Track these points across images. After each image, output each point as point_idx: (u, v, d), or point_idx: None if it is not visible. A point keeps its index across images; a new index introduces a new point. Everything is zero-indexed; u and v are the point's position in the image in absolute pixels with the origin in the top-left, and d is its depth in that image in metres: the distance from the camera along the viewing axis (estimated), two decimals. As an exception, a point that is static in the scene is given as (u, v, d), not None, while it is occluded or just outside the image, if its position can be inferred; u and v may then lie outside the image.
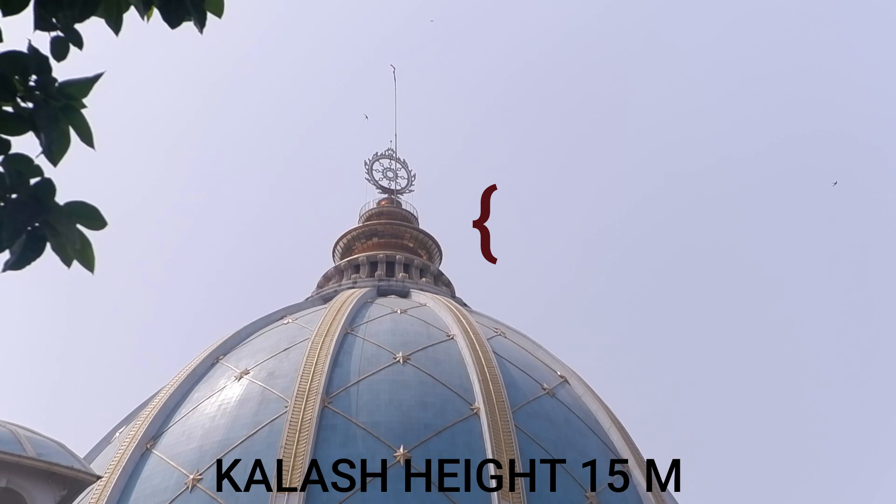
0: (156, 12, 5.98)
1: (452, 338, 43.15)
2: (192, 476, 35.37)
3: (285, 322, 45.13)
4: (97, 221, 6.06)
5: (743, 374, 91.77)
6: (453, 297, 53.01)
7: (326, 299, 49.34)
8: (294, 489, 33.95)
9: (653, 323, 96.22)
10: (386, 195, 57.64)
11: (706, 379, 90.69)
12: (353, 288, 50.14)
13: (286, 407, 37.43)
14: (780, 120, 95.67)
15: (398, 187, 57.98)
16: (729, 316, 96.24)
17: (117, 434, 40.30)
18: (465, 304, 51.44)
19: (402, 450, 36.08)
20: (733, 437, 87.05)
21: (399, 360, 40.82)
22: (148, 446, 37.48)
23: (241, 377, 40.14)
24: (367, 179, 56.57)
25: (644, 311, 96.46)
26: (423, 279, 54.16)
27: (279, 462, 34.83)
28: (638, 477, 39.73)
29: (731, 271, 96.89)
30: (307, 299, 51.10)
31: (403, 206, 58.60)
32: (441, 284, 54.30)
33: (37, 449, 22.19)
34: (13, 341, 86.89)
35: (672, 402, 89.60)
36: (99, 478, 24.31)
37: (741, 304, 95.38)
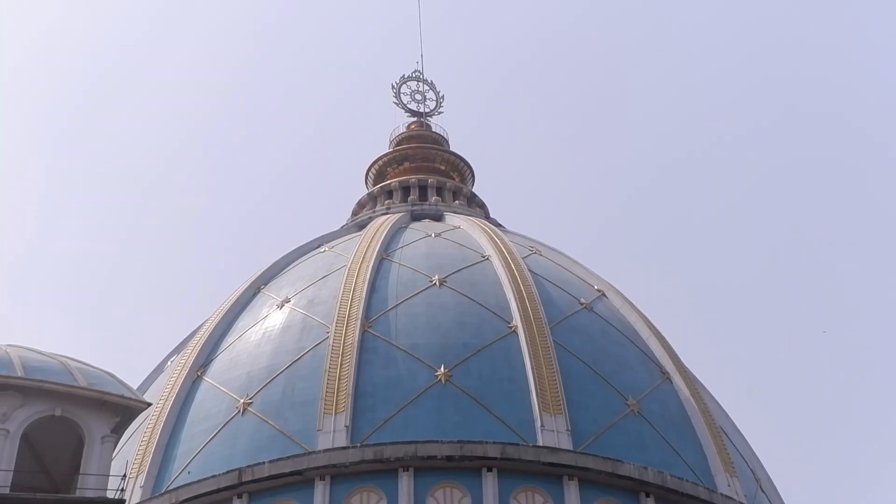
0: None
1: (487, 258, 43.13)
2: (242, 400, 36.30)
3: (322, 251, 45.56)
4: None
5: (781, 279, 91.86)
6: (487, 218, 52.77)
7: (361, 226, 49.24)
8: (340, 411, 35.22)
9: (690, 232, 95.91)
10: (415, 118, 57.30)
11: (744, 285, 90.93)
12: (387, 214, 50.05)
13: (328, 333, 37.96)
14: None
15: (426, 110, 57.56)
16: (766, 223, 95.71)
17: (168, 363, 41.38)
18: (499, 225, 51.35)
19: (442, 369, 36.54)
20: (771, 342, 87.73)
21: (435, 283, 41.04)
22: (198, 374, 38.44)
23: (282, 305, 40.78)
24: (396, 103, 56.21)
25: (681, 221, 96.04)
26: (457, 202, 53.92)
27: (324, 385, 36.11)
28: (679, 383, 40.04)
29: (775, 184, 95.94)
30: (342, 227, 51.07)
31: (433, 129, 58.25)
32: (474, 206, 54.05)
33: (88, 379, 23.02)
34: (63, 278, 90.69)
35: (711, 309, 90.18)
36: (149, 404, 25.38)
37: (778, 214, 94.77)
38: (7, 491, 20.71)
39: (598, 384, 37.82)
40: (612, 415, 36.60)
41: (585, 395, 37.14)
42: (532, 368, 36.99)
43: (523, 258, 43.57)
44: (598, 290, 44.07)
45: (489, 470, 33.16)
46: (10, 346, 23.49)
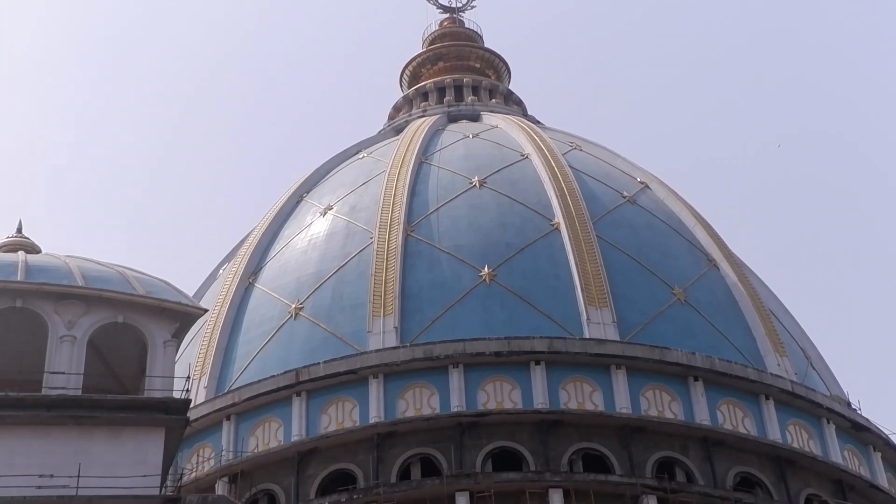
0: None
1: (527, 157, 43.07)
2: (293, 305, 37.42)
3: (361, 157, 46.01)
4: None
5: (828, 157, 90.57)
6: (525, 115, 52.32)
7: (398, 130, 49.29)
8: (388, 313, 36.42)
9: (734, 117, 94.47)
10: (447, 14, 56.69)
11: (790, 165, 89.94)
12: (424, 117, 49.94)
13: (371, 238, 38.69)
14: None
15: (459, 4, 56.73)
16: (815, 102, 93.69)
17: (220, 271, 42.70)
18: (537, 122, 50.87)
19: (486, 269, 37.17)
20: (818, 221, 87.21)
21: (475, 185, 41.28)
22: (250, 281, 39.64)
23: (325, 213, 41.53)
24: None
25: (724, 106, 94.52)
26: (493, 100, 53.46)
27: (371, 289, 36.84)
28: (726, 269, 40.21)
29: (824, 62, 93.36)
30: (379, 132, 51.26)
31: (466, 25, 57.50)
32: (512, 104, 53.73)
33: (145, 287, 23.96)
34: (111, 190, 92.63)
35: (757, 192, 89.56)
36: (205, 311, 26.34)
37: (824, 91, 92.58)
38: (79, 393, 21.97)
39: (644, 275, 38.14)
40: (658, 304, 37.08)
41: (631, 287, 37.57)
42: (576, 264, 37.42)
43: (563, 154, 43.48)
44: (641, 182, 43.98)
45: (537, 363, 34.09)
46: (68, 256, 24.64)
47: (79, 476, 20.70)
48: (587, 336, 35.44)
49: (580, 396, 34.15)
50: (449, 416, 32.95)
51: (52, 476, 20.48)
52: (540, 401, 33.45)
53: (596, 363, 34.59)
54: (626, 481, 31.68)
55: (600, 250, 38.28)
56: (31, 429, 21.03)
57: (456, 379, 33.85)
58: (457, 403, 33.29)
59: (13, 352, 22.82)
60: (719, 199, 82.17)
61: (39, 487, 20.33)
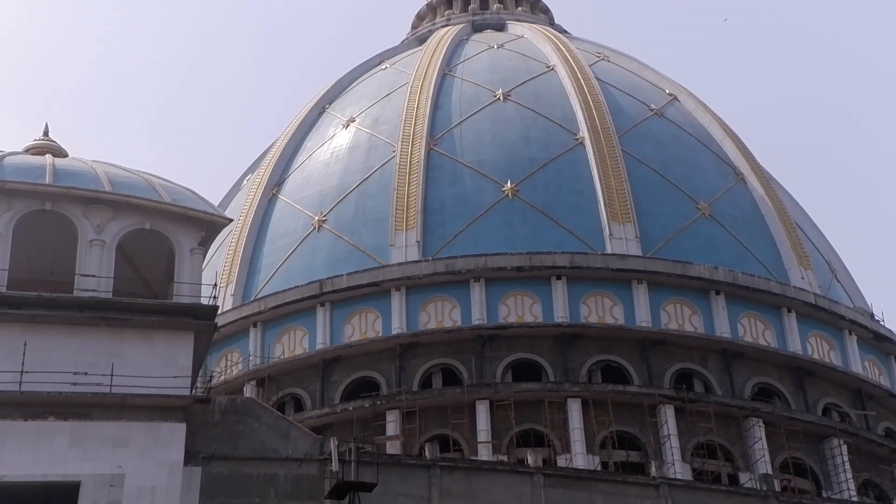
0: None
1: (552, 68, 42.78)
2: (317, 218, 38.16)
3: (383, 67, 45.93)
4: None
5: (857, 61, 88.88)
6: (552, 24, 51.56)
7: (422, 40, 48.90)
8: (411, 227, 37.11)
9: (764, 27, 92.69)
10: (472, -82, 55.61)
11: (820, 75, 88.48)
12: (447, 26, 49.38)
13: (394, 152, 38.99)
14: None
15: None
16: (847, 15, 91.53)
17: (245, 181, 43.36)
18: (564, 31, 50.18)
19: (508, 184, 37.53)
20: (850, 132, 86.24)
21: (499, 98, 41.20)
22: (274, 192, 40.32)
23: (347, 125, 41.82)
24: None
25: (755, 17, 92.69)
26: (520, 8, 52.58)
27: (394, 203, 37.16)
28: (753, 183, 40.26)
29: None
30: (402, 42, 50.91)
31: (491, -70, 56.84)
32: (538, 12, 52.94)
33: (171, 195, 24.47)
34: (135, 97, 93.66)
35: (786, 106, 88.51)
36: (230, 220, 26.82)
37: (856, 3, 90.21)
38: (110, 296, 22.80)
39: (669, 190, 38.29)
40: (682, 219, 37.37)
41: (655, 202, 37.80)
42: (600, 179, 37.60)
43: (590, 66, 43.08)
44: (670, 95, 43.74)
45: (558, 278, 34.81)
46: (95, 161, 25.18)
47: (112, 374, 21.72)
48: (609, 251, 35.93)
49: (600, 310, 34.90)
50: (470, 329, 33.90)
51: (86, 374, 21.58)
52: (560, 315, 34.25)
53: (617, 278, 35.15)
54: (644, 391, 32.60)
55: (625, 165, 38.36)
56: (64, 329, 21.99)
57: (477, 293, 34.67)
58: (478, 317, 34.18)
59: (45, 254, 23.67)
60: (749, 111, 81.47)
61: (74, 384, 21.40)
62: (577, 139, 39.59)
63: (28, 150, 25.94)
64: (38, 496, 20.63)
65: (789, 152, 79.72)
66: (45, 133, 26.89)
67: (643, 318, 34.64)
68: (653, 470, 29.13)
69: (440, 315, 34.51)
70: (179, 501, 21.67)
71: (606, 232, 36.62)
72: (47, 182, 23.45)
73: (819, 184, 79.68)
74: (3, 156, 24.17)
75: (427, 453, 26.27)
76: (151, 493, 21.41)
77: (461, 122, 40.78)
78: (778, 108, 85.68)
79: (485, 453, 31.14)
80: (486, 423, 31.84)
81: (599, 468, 30.75)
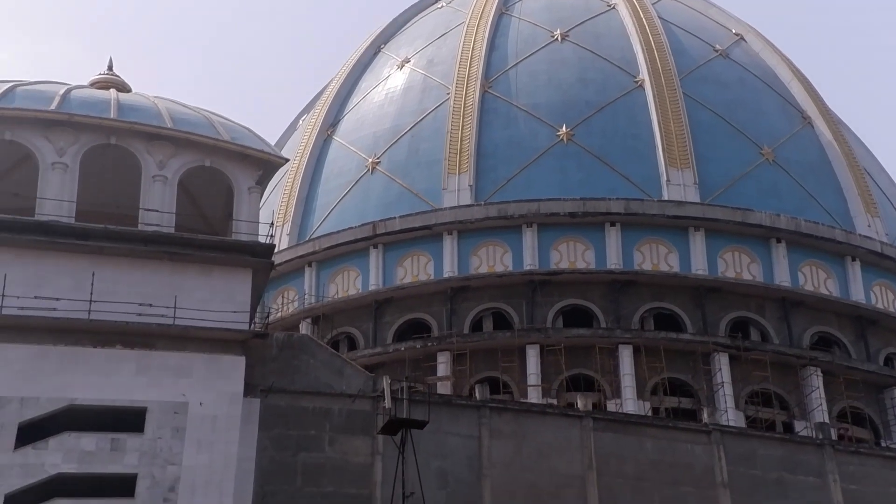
0: None
1: (613, 7, 42.89)
2: (370, 160, 39.56)
3: (439, 6, 46.66)
4: None
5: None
6: (612, -40, 52.57)
7: (478, -21, 50.59)
8: (464, 171, 38.21)
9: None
10: None
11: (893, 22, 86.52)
12: (505, -36, 50.83)
13: (448, 94, 39.99)
14: None
15: None
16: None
17: (300, 122, 44.88)
18: (626, -33, 51.05)
19: (564, 129, 38.31)
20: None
21: (557, 38, 41.66)
22: (328, 133, 41.77)
23: (402, 65, 42.88)
24: None
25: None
26: (579, -55, 53.76)
27: (447, 146, 38.11)
28: (821, 127, 40.38)
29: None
30: (458, -21, 52.85)
31: None
32: (598, -51, 54.43)
33: (230, 134, 25.85)
34: (190, 35, 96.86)
35: (859, 49, 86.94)
36: (287, 160, 28.33)
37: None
38: (172, 231, 24.38)
39: (731, 135, 38.59)
40: (743, 165, 37.74)
41: (716, 148, 38.21)
42: (659, 123, 38.07)
43: (653, 4, 43.09)
44: (736, 34, 43.66)
45: (612, 224, 35.73)
46: (157, 97, 26.68)
47: (175, 307, 23.45)
48: (666, 198, 36.61)
49: (655, 258, 35.75)
50: (521, 274, 35.13)
51: (150, 305, 23.36)
52: (613, 261, 35.24)
53: (673, 225, 35.92)
54: (698, 339, 33.57)
55: (686, 108, 38.76)
56: (129, 261, 23.68)
57: (529, 238, 35.84)
58: (529, 262, 35.38)
59: (109, 187, 25.26)
60: (819, 52, 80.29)
61: (140, 315, 23.18)
62: (637, 82, 40.03)
63: (93, 84, 27.56)
64: (108, 419, 22.45)
65: (860, 96, 78.69)
66: (110, 67, 28.55)
67: (699, 266, 35.42)
68: (705, 417, 29.99)
69: (491, 259, 35.79)
70: (240, 430, 23.45)
71: (664, 178, 37.25)
72: (112, 116, 24.94)
73: (892, 129, 78.65)
74: (70, 89, 25.72)
75: (477, 394, 27.67)
76: (213, 421, 23.20)
77: (517, 63, 41.45)
78: (849, 50, 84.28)
79: (534, 396, 32.58)
80: (536, 367, 33.27)
81: (650, 414, 31.96)
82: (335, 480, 24.87)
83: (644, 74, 40.05)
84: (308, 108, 45.33)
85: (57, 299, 22.57)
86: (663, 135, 38.03)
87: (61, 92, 25.16)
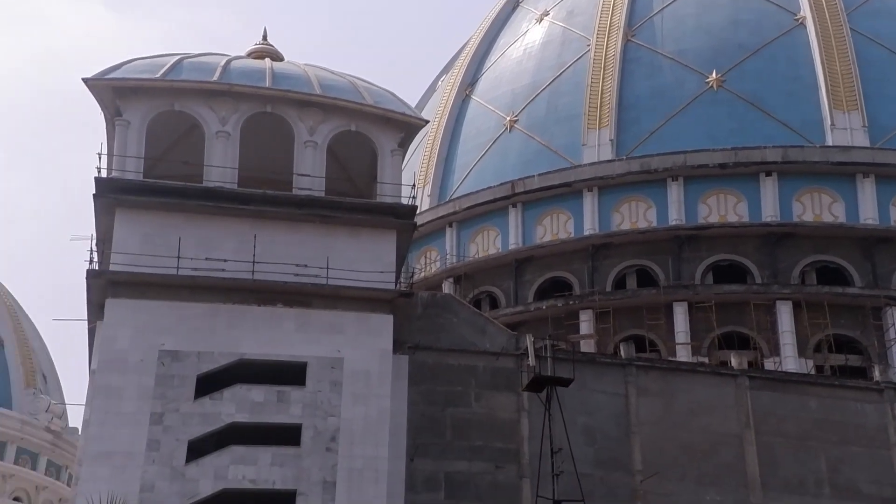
0: None
1: None
2: (508, 118, 44.18)
3: (578, -46, 49.57)
4: None
5: None
6: None
7: (619, -78, 53.74)
8: (604, 126, 41.66)
9: None
10: None
11: None
12: None
13: (588, 45, 43.77)
14: None
15: None
16: None
17: (440, 83, 49.96)
18: None
19: (714, 75, 41.25)
20: None
21: (706, -22, 43.34)
22: (467, 92, 46.75)
23: (541, 19, 47.15)
24: None
25: None
26: None
27: (587, 100, 42.04)
28: None
29: None
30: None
31: None
32: None
33: (373, 98, 30.70)
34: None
35: None
36: (427, 122, 32.97)
37: None
38: (323, 194, 29.55)
39: (905, 68, 39.47)
40: (919, 104, 38.77)
41: (887, 86, 40.32)
42: (822, 63, 40.35)
43: (812, -68, 44.07)
44: (909, -39, 44.63)
45: (768, 175, 38.52)
46: (307, 65, 31.87)
47: (328, 268, 28.63)
48: (830, 143, 39.00)
49: (817, 208, 38.45)
50: (666, 230, 38.76)
51: (305, 266, 28.66)
52: (769, 213, 38.15)
53: (838, 172, 38.38)
54: (867, 293, 36.06)
55: (853, 45, 40.84)
56: (285, 224, 28.99)
57: (675, 192, 39.34)
58: (675, 217, 38.90)
59: (264, 155, 30.61)
60: None
61: (296, 275, 28.45)
62: (797, 19, 42.32)
63: (250, 55, 33.13)
64: (273, 373, 27.73)
65: None
66: (264, 37, 34.07)
67: (868, 215, 37.80)
68: (876, 374, 32.12)
69: (634, 215, 39.62)
70: (391, 385, 28.52)
71: (827, 122, 39.66)
72: (267, 85, 30.22)
73: None
74: (230, 60, 31.22)
75: (622, 353, 31.52)
76: (366, 376, 28.33)
77: (662, 8, 44.47)
78: None
79: (683, 355, 35.99)
80: (685, 325, 36.82)
81: (813, 372, 34.79)
82: (483, 435, 29.43)
83: (805, 11, 42.28)
84: (447, 69, 50.16)
85: (224, 261, 28.12)
86: (827, 75, 40.31)
87: (222, 63, 30.72)
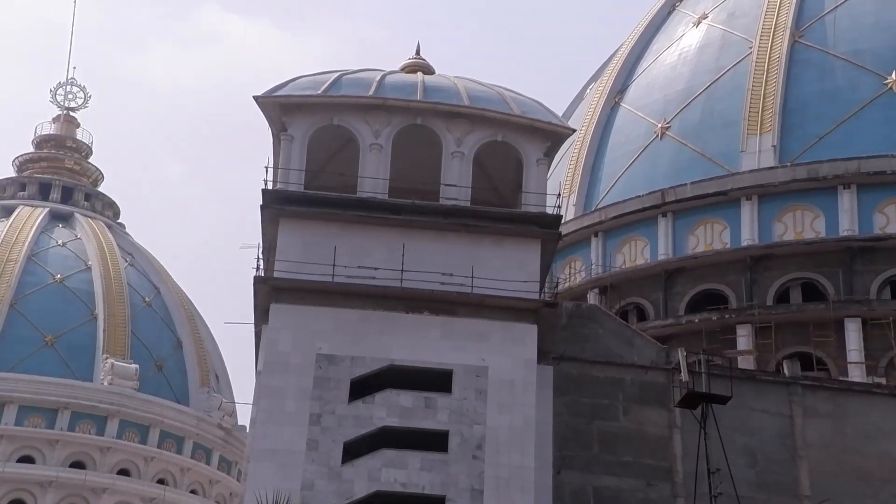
0: None
1: None
2: (660, 125, 48.47)
3: (742, -41, 52.77)
4: None
5: None
6: None
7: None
8: (766, 131, 44.93)
9: None
10: None
11: None
12: None
13: (750, 48, 47.40)
14: None
15: None
16: None
17: (587, 91, 54.63)
18: None
19: (894, 76, 44.49)
20: None
21: (889, -28, 45.56)
22: (616, 100, 51.28)
23: (699, 22, 51.15)
24: None
25: None
26: None
27: (747, 105, 45.60)
28: None
29: None
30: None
31: None
32: None
33: (520, 108, 35.45)
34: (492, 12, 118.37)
35: None
36: (574, 131, 37.30)
37: None
38: (468, 204, 34.46)
39: None
40: None
41: None
42: None
43: None
44: None
45: (963, 182, 39.50)
46: (456, 77, 37.11)
47: (472, 276, 33.39)
48: None
49: None
50: (836, 241, 41.88)
51: (451, 274, 33.52)
52: None
53: None
54: None
55: None
56: (432, 233, 34.13)
57: (847, 200, 42.54)
58: (847, 227, 42.07)
59: (413, 165, 35.77)
60: None
61: (442, 283, 33.42)
62: None
63: (404, 69, 38.74)
64: (420, 379, 32.64)
65: None
66: (417, 52, 39.84)
67: None
68: None
69: (799, 225, 42.89)
70: (536, 395, 32.66)
71: None
72: (418, 98, 35.58)
73: None
74: (385, 75, 36.75)
75: (786, 370, 34.10)
76: (511, 385, 32.66)
77: (836, 6, 47.66)
78: None
79: (856, 374, 38.70)
80: (858, 343, 39.64)
81: None
82: (632, 450, 32.72)
83: None
84: (595, 77, 54.89)
85: (375, 269, 33.48)
86: None
87: (377, 78, 36.31)
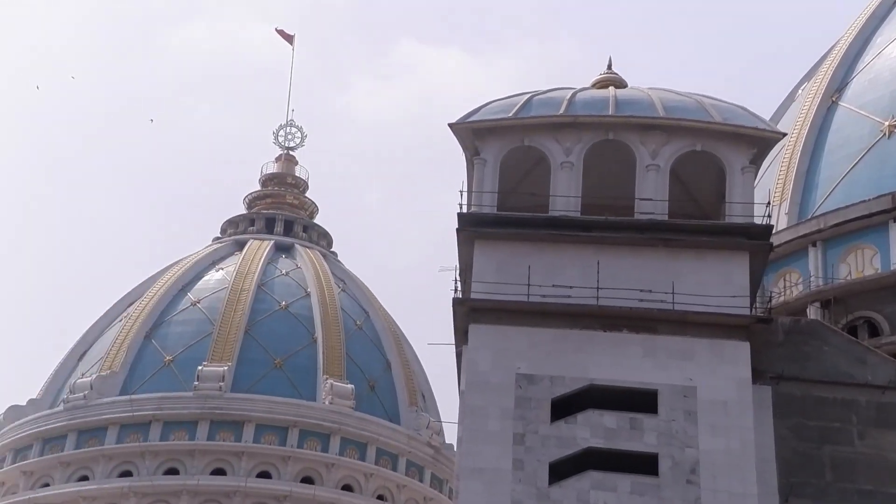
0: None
1: None
2: (886, 123, 47.42)
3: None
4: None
5: None
6: None
7: None
8: None
9: None
10: None
11: None
12: None
13: None
14: None
15: None
16: None
17: (799, 91, 54.12)
18: None
19: None
20: None
21: None
22: (833, 99, 50.55)
23: None
24: None
25: None
26: None
27: None
28: None
29: None
30: None
31: None
32: None
33: (721, 114, 36.35)
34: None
35: None
36: (784, 135, 37.72)
37: None
38: (665, 218, 35.26)
39: None
40: None
41: None
42: None
43: None
44: None
45: None
46: (651, 89, 38.16)
47: (673, 292, 34.33)
48: None
49: None
50: None
51: (650, 291, 34.45)
52: None
53: None
54: None
55: None
56: (628, 249, 35.33)
57: None
58: None
59: (606, 180, 37.17)
60: None
61: (641, 301, 34.42)
62: None
63: (595, 84, 40.50)
64: (623, 399, 33.88)
65: None
66: (609, 67, 41.55)
67: None
68: None
69: None
70: (753, 417, 32.87)
71: None
72: (609, 113, 37.10)
73: None
74: (575, 92, 38.68)
75: None
76: (724, 406, 33.33)
77: None
78: None
79: None
80: None
81: None
82: (872, 478, 32.47)
83: None
84: (808, 76, 54.58)
85: (570, 287, 35.06)
86: None
87: (567, 96, 38.31)
